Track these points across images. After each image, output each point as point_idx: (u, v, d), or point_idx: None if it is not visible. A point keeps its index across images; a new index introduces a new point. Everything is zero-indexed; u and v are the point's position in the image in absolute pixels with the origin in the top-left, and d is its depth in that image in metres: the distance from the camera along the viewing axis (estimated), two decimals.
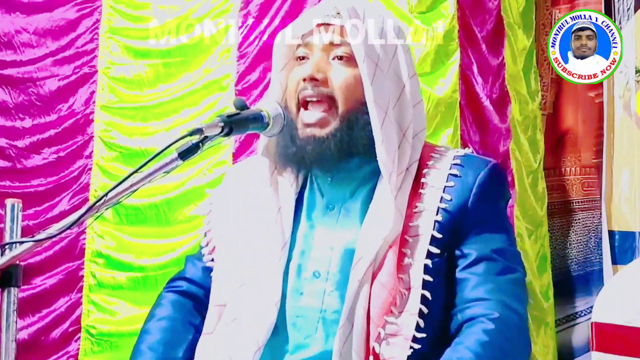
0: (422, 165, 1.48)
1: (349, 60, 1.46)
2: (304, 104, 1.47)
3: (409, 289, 1.37)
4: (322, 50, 1.48)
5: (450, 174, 1.46)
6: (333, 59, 1.47)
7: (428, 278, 1.38)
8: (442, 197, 1.43)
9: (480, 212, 1.44)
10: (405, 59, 1.52)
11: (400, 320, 1.35)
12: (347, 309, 1.36)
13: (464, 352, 1.33)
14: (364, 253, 1.39)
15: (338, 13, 1.48)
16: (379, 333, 1.34)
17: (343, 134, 1.44)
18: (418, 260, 1.38)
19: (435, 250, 1.40)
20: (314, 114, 1.45)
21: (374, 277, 1.38)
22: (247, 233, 1.51)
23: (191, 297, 1.60)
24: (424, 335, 1.34)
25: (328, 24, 1.49)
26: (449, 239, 1.42)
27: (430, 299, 1.37)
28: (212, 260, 1.56)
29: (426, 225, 1.41)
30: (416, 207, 1.43)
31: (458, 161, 1.48)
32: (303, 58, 1.50)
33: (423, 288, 1.37)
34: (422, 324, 1.35)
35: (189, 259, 1.66)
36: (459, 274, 1.42)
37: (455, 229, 1.42)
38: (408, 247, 1.40)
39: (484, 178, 1.46)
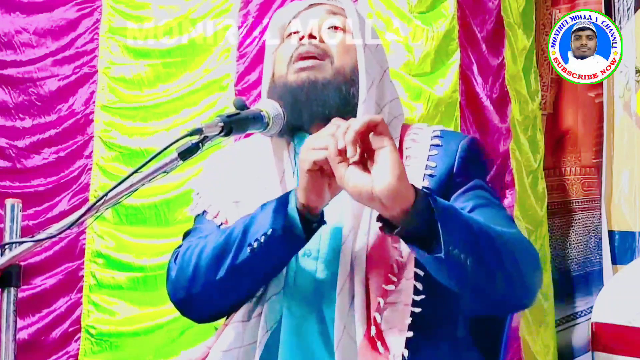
0: (402, 141, 1.51)
1: (343, 30, 1.54)
2: (298, 59, 1.51)
3: (403, 256, 1.37)
4: (316, 20, 1.54)
5: (432, 144, 1.50)
6: (328, 28, 1.54)
7: None
8: (427, 165, 1.46)
9: (467, 174, 1.47)
10: (385, 57, 1.59)
11: (399, 287, 1.35)
12: (343, 276, 1.36)
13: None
14: (352, 226, 1.40)
15: None
16: (379, 303, 1.33)
17: (342, 87, 1.48)
18: None
19: None
20: (308, 61, 1.49)
21: (368, 248, 1.38)
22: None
23: None
24: (422, 297, 1.34)
25: (321, 3, 1.58)
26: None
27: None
28: (222, 223, 1.51)
29: None
30: None
31: (437, 133, 1.52)
32: (296, 32, 1.55)
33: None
34: (420, 287, 1.35)
35: (195, 228, 1.59)
36: None
37: (443, 193, 1.44)
38: None
39: (466, 144, 1.50)
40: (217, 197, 1.56)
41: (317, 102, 1.46)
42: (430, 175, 1.45)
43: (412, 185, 1.23)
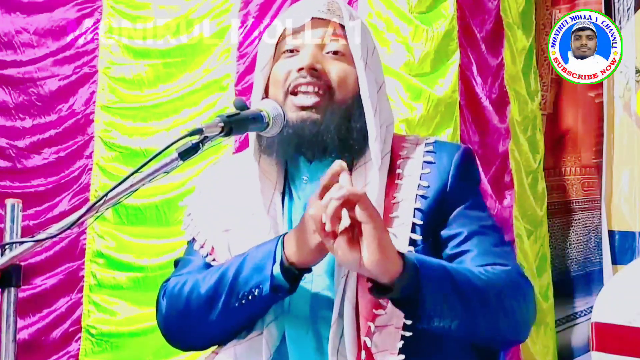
0: (395, 156, 1.50)
1: (343, 55, 1.49)
2: (294, 91, 1.47)
3: None
4: (315, 44, 1.49)
5: (425, 162, 1.48)
6: (327, 52, 1.49)
7: None
8: (419, 185, 1.44)
9: (460, 193, 1.46)
10: (378, 58, 1.57)
11: (389, 310, 1.34)
12: (337, 305, 1.36)
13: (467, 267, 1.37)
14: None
15: (329, 9, 1.51)
16: (369, 327, 1.33)
17: (341, 122, 1.46)
18: (401, 250, 1.38)
19: (418, 237, 1.41)
20: (309, 98, 1.46)
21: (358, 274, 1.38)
22: (237, 239, 1.49)
23: None
24: (411, 322, 1.34)
25: (321, 19, 1.51)
26: (431, 224, 1.43)
27: None
28: (214, 260, 1.52)
29: (406, 215, 1.42)
30: (394, 197, 1.44)
31: (430, 148, 1.51)
32: (293, 51, 1.51)
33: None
34: None
35: (183, 259, 1.60)
36: (451, 251, 1.43)
37: (436, 213, 1.43)
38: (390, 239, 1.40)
39: (459, 160, 1.48)
40: (206, 222, 1.55)
41: (317, 143, 1.45)
42: (423, 197, 1.44)
43: (400, 253, 1.26)
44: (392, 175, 1.47)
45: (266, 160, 1.52)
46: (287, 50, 1.51)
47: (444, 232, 1.44)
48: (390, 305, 1.34)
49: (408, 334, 1.33)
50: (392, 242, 1.26)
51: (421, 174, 1.46)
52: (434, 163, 1.48)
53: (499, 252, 1.42)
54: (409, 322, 1.33)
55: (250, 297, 1.37)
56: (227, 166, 1.65)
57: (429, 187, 1.45)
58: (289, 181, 1.53)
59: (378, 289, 1.27)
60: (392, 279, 1.24)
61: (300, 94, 1.46)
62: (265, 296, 1.36)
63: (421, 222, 1.42)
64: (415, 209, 1.42)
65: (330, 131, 1.44)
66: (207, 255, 1.53)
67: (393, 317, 1.34)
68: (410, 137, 1.56)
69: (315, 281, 1.43)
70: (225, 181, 1.58)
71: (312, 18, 1.51)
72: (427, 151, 1.50)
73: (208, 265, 1.52)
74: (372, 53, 1.53)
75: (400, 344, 1.33)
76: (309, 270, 1.36)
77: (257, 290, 1.36)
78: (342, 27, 1.50)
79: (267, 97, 1.52)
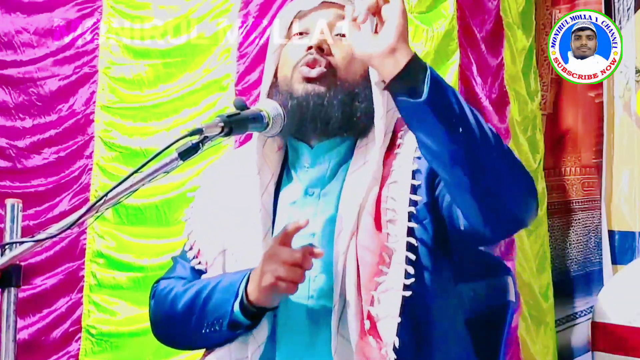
0: (396, 130, 1.51)
1: None
2: (303, 65, 1.49)
3: (395, 242, 1.37)
4: (325, 25, 1.51)
5: None
6: (336, 35, 1.51)
7: (412, 224, 1.39)
8: (416, 148, 1.44)
9: None
10: None
11: (390, 275, 1.35)
12: (338, 284, 1.37)
13: None
14: (343, 225, 1.41)
15: None
16: (372, 296, 1.34)
17: (346, 100, 1.47)
18: (401, 211, 1.40)
19: (417, 198, 1.42)
20: (315, 70, 1.47)
21: (357, 244, 1.39)
22: (230, 230, 1.51)
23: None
24: (412, 280, 1.35)
25: (331, 2, 1.53)
26: (429, 184, 1.44)
27: (417, 245, 1.38)
28: (199, 263, 1.56)
29: (404, 178, 1.43)
30: (392, 165, 1.45)
31: None
32: (302, 33, 1.53)
33: (408, 235, 1.38)
34: (411, 271, 1.36)
35: (177, 260, 1.64)
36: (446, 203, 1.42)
37: (433, 174, 1.43)
38: (389, 202, 1.41)
39: None
40: (198, 224, 1.58)
41: (321, 118, 1.45)
42: (419, 158, 1.44)
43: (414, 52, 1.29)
44: (392, 146, 1.49)
45: (270, 146, 1.53)
46: (298, 33, 1.53)
47: (438, 190, 1.44)
48: (391, 267, 1.35)
49: (407, 293, 1.34)
50: (408, 37, 1.30)
51: None
52: None
53: None
54: (408, 282, 1.34)
55: (213, 329, 1.43)
56: (229, 162, 1.66)
57: None
58: (288, 168, 1.54)
59: (394, 80, 1.26)
60: (397, 68, 1.25)
61: (306, 66, 1.48)
62: (225, 331, 1.41)
63: (419, 182, 1.43)
64: (413, 171, 1.44)
65: (334, 106, 1.46)
66: (193, 257, 1.57)
67: (393, 279, 1.35)
68: None
69: (314, 264, 1.42)
70: (225, 179, 1.59)
71: (323, 2, 1.53)
72: None
73: (193, 270, 1.57)
74: None
75: (399, 304, 1.33)
76: (269, 309, 1.39)
77: (217, 324, 1.41)
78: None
79: (276, 80, 1.53)
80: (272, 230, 1.48)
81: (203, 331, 1.44)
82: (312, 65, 1.47)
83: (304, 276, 1.34)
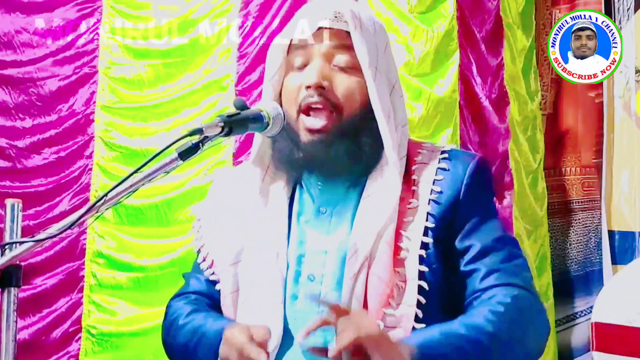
0: (410, 162, 1.50)
1: (351, 69, 1.48)
2: (306, 110, 1.46)
3: (405, 282, 1.38)
4: (323, 56, 1.48)
5: (439, 168, 1.48)
6: (334, 66, 1.48)
7: (423, 268, 1.40)
8: (432, 190, 1.45)
9: (473, 203, 1.47)
10: (388, 49, 1.56)
11: (399, 312, 1.35)
12: (346, 303, 1.37)
13: (475, 316, 1.37)
14: (357, 247, 1.41)
15: (336, 17, 1.49)
16: (378, 325, 1.34)
17: (351, 139, 1.46)
18: (413, 253, 1.40)
19: (429, 241, 1.42)
20: (318, 120, 1.45)
21: (369, 271, 1.38)
22: (243, 245, 1.51)
23: (203, 302, 1.59)
24: (422, 325, 1.35)
25: (328, 28, 1.49)
26: (443, 229, 1.44)
27: (428, 289, 1.38)
28: (213, 273, 1.55)
29: (419, 219, 1.43)
30: (410, 202, 1.45)
31: (445, 155, 1.51)
32: (301, 67, 1.50)
33: (419, 279, 1.38)
34: (420, 314, 1.36)
35: (189, 276, 1.63)
36: (465, 267, 1.44)
37: (448, 220, 1.44)
38: (403, 241, 1.41)
39: (473, 169, 1.48)
40: (211, 235, 1.58)
41: (328, 163, 1.45)
42: (435, 201, 1.44)
43: (407, 349, 1.29)
44: (408, 181, 1.48)
45: (274, 178, 1.54)
46: (296, 66, 1.50)
47: (458, 244, 1.45)
48: (400, 307, 1.35)
49: None
50: (391, 342, 1.30)
51: (434, 179, 1.47)
52: (448, 170, 1.48)
53: (508, 269, 1.43)
54: (418, 326, 1.34)
55: None
56: (237, 176, 1.64)
57: (441, 192, 1.45)
58: (302, 180, 1.54)
59: None
60: None
61: (311, 112, 1.46)
62: None
63: (432, 225, 1.43)
64: (428, 213, 1.43)
65: (340, 155, 1.45)
66: (207, 268, 1.56)
67: (402, 320, 1.35)
68: (427, 144, 1.57)
69: (324, 282, 1.43)
70: (235, 192, 1.58)
71: (319, 28, 1.49)
72: (442, 158, 1.50)
73: (208, 282, 1.57)
74: (385, 51, 1.52)
75: None
76: None
77: None
78: (348, 33, 1.48)
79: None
80: (288, 244, 1.48)
81: None
82: (315, 107, 1.45)
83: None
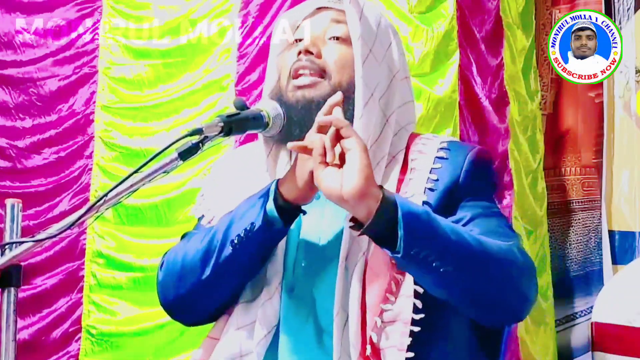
0: (408, 151, 1.49)
1: (345, 41, 1.49)
2: (295, 75, 1.47)
3: (403, 274, 1.36)
4: (318, 27, 1.51)
5: (437, 157, 1.47)
6: (329, 38, 1.50)
7: None
8: (428, 178, 1.44)
9: (471, 187, 1.45)
10: (399, 58, 1.56)
11: (397, 305, 1.34)
12: (340, 294, 1.36)
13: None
14: (348, 235, 1.39)
15: (338, 0, 1.52)
16: (376, 322, 1.33)
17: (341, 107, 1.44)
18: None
19: None
20: (305, 79, 1.46)
21: (366, 265, 1.37)
22: None
23: None
24: (422, 315, 1.33)
25: (327, 8, 1.53)
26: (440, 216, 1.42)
27: None
28: None
29: None
30: (405, 192, 1.43)
31: (445, 145, 1.50)
32: (298, 40, 1.52)
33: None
34: (419, 304, 1.34)
35: (190, 233, 1.58)
36: None
37: (445, 208, 1.42)
38: None
39: (472, 158, 1.47)
40: (217, 201, 1.56)
41: (311, 122, 1.41)
42: (431, 189, 1.42)
43: (381, 187, 1.27)
44: (405, 170, 1.47)
45: (274, 151, 1.52)
46: (295, 40, 1.53)
47: (450, 219, 1.42)
48: (398, 300, 1.34)
49: (417, 329, 1.32)
50: (373, 175, 1.27)
51: (432, 168, 1.46)
52: (447, 159, 1.46)
53: (502, 232, 1.40)
54: (417, 317, 1.33)
55: (243, 237, 1.38)
56: (245, 154, 1.64)
57: (438, 180, 1.44)
58: None
59: (358, 226, 1.28)
60: (371, 209, 1.25)
61: (297, 77, 1.47)
62: (258, 232, 1.36)
63: None
64: (423, 201, 1.41)
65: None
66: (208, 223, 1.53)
67: (401, 312, 1.33)
68: (428, 134, 1.56)
69: (319, 270, 1.42)
70: (242, 169, 1.58)
71: (317, 8, 1.53)
72: (441, 148, 1.49)
73: None
74: (383, 41, 1.51)
75: (408, 340, 1.32)
76: (303, 211, 1.39)
77: (250, 226, 1.37)
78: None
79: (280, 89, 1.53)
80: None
81: (230, 248, 1.38)
82: (301, 73, 1.46)
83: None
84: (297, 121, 1.44)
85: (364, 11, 1.50)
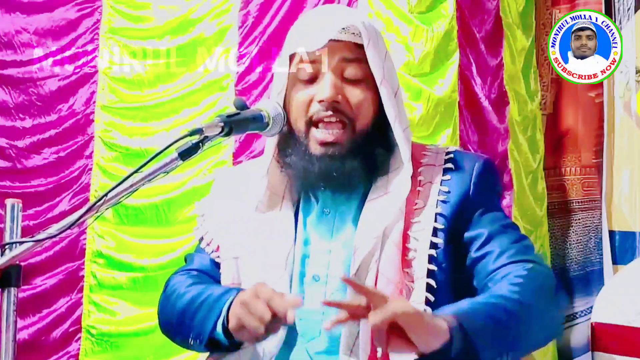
0: (416, 163, 1.51)
1: (361, 82, 1.48)
2: (316, 123, 1.47)
3: (414, 282, 1.38)
4: (334, 69, 1.47)
5: (445, 168, 1.50)
6: (345, 79, 1.48)
7: (432, 267, 1.41)
8: (440, 190, 1.46)
9: (482, 199, 1.48)
10: (391, 59, 1.56)
11: None
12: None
13: (498, 290, 1.37)
14: (360, 245, 1.41)
15: (344, 29, 1.47)
16: None
17: (364, 152, 1.46)
18: (422, 253, 1.41)
19: (439, 241, 1.43)
20: (330, 133, 1.45)
21: (378, 273, 1.39)
22: (247, 240, 1.51)
23: (206, 278, 1.59)
24: None
25: (337, 40, 1.48)
26: (454, 229, 1.45)
27: (436, 287, 1.39)
28: (218, 257, 1.56)
29: (427, 219, 1.44)
30: (416, 204, 1.45)
31: (451, 156, 1.52)
32: (311, 80, 1.48)
33: (428, 277, 1.39)
34: (429, 311, 1.36)
35: (192, 255, 1.64)
36: (475, 254, 1.45)
37: (458, 218, 1.45)
38: (411, 242, 1.42)
39: (481, 169, 1.50)
40: (216, 223, 1.58)
41: (342, 177, 1.45)
42: (443, 202, 1.46)
43: (444, 321, 1.25)
44: (414, 182, 1.48)
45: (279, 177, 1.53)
46: (304, 78, 1.49)
47: (466, 235, 1.46)
48: None
49: None
50: (428, 316, 1.26)
51: (442, 180, 1.48)
52: (455, 170, 1.49)
53: (518, 248, 1.45)
54: None
55: (195, 342, 1.45)
56: (244, 173, 1.64)
57: (449, 192, 1.47)
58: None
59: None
60: (443, 343, 1.24)
61: (321, 126, 1.46)
62: (203, 348, 1.44)
63: (443, 226, 1.44)
64: (436, 213, 1.44)
65: (355, 166, 1.45)
66: (212, 252, 1.57)
67: None
68: (431, 146, 1.58)
69: (330, 282, 1.44)
70: (240, 188, 1.59)
71: (331, 40, 1.47)
72: (448, 159, 1.51)
73: (213, 262, 1.57)
74: (385, 57, 1.52)
75: None
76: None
77: (199, 339, 1.43)
78: (357, 45, 1.48)
79: (288, 124, 1.51)
80: (294, 244, 1.48)
81: (190, 341, 1.47)
82: (327, 121, 1.45)
83: (274, 329, 1.33)
84: (319, 174, 1.45)
85: (376, 37, 1.49)
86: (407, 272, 1.39)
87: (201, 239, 1.60)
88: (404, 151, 1.47)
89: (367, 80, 1.48)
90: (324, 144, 1.45)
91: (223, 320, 1.39)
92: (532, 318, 1.36)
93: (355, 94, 1.47)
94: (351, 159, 1.45)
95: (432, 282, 1.39)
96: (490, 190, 1.52)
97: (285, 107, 1.49)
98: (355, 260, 1.40)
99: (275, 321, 1.30)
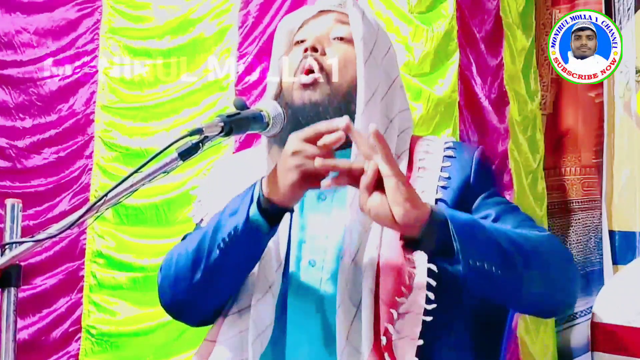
0: (414, 152, 1.53)
1: (349, 41, 1.52)
2: (303, 71, 1.50)
3: (415, 267, 1.38)
4: (322, 27, 1.55)
5: (445, 156, 1.51)
6: (334, 38, 1.53)
7: None
8: (440, 177, 1.47)
9: (484, 185, 1.50)
10: (395, 65, 1.59)
11: (411, 297, 1.35)
12: (342, 287, 1.36)
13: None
14: (354, 226, 1.41)
15: (340, 4, 1.56)
16: (392, 314, 1.34)
17: (342, 106, 1.47)
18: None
19: None
20: (309, 76, 1.49)
21: (379, 260, 1.38)
22: None
23: None
24: (434, 306, 1.35)
25: (329, 11, 1.57)
26: None
27: (437, 272, 1.38)
28: None
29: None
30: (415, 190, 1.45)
31: (450, 144, 1.55)
32: (303, 41, 1.55)
33: (429, 261, 1.38)
34: (431, 296, 1.36)
35: (188, 234, 1.59)
36: None
37: (460, 205, 1.45)
38: None
39: (480, 157, 1.53)
40: (215, 205, 1.56)
41: (320, 119, 1.44)
42: (444, 187, 1.46)
43: (427, 204, 1.27)
44: (410, 168, 1.50)
45: (276, 149, 1.53)
46: (298, 42, 1.56)
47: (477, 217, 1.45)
48: (412, 292, 1.36)
49: (428, 318, 1.34)
50: (417, 195, 1.26)
51: (442, 166, 1.49)
52: (455, 157, 1.51)
53: (532, 224, 1.46)
54: (429, 307, 1.35)
55: (228, 241, 1.36)
56: (241, 160, 1.66)
57: (449, 178, 1.48)
58: None
59: (411, 243, 1.28)
60: (421, 227, 1.24)
61: (303, 74, 1.50)
62: (242, 235, 1.35)
63: None
64: (436, 199, 1.45)
65: (329, 113, 1.46)
66: None
67: (414, 304, 1.35)
68: (429, 136, 1.61)
69: (325, 267, 1.43)
70: (239, 174, 1.59)
71: (320, 11, 1.57)
72: (447, 147, 1.53)
73: None
74: (387, 52, 1.55)
75: (419, 328, 1.34)
76: (290, 210, 1.36)
77: (234, 230, 1.35)
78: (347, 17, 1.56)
79: (281, 90, 1.55)
80: (290, 229, 1.47)
81: (218, 252, 1.37)
82: (307, 71, 1.49)
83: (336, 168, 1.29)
84: (305, 124, 1.43)
85: (366, 15, 1.54)
86: (408, 258, 1.38)
87: (200, 221, 1.59)
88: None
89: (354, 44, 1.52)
90: (303, 85, 1.48)
91: (259, 200, 1.33)
92: (536, 264, 1.34)
93: (337, 48, 1.52)
94: (325, 106, 1.46)
95: (434, 267, 1.38)
96: (490, 177, 1.54)
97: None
98: (352, 246, 1.39)
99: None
